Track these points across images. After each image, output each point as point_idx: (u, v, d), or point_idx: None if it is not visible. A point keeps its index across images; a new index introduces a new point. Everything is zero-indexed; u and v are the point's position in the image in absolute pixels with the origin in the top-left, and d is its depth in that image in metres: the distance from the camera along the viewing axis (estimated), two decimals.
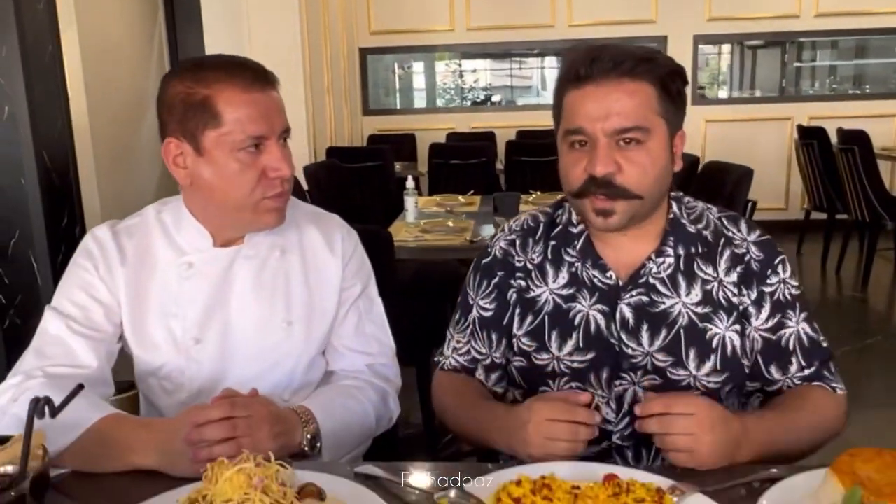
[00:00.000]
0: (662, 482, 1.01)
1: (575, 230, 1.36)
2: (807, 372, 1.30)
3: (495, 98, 8.86)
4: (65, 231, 2.65)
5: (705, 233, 1.33)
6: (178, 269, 1.37)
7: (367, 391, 1.42)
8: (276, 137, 1.29)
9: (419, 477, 1.12)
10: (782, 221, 6.48)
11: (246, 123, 1.26)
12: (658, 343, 1.29)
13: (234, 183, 1.29)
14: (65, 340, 1.31)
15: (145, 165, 5.65)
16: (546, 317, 1.35)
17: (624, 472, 1.02)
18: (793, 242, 6.28)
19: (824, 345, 1.32)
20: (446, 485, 1.05)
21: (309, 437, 1.24)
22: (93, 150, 4.97)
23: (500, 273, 1.40)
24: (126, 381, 1.66)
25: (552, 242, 1.38)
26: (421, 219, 3.76)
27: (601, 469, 1.05)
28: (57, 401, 1.11)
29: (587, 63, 1.22)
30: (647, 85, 1.22)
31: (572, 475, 1.02)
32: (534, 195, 4.25)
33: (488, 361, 1.42)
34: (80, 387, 0.93)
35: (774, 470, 1.09)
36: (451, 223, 3.62)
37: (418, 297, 3.37)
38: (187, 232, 1.38)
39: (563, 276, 1.35)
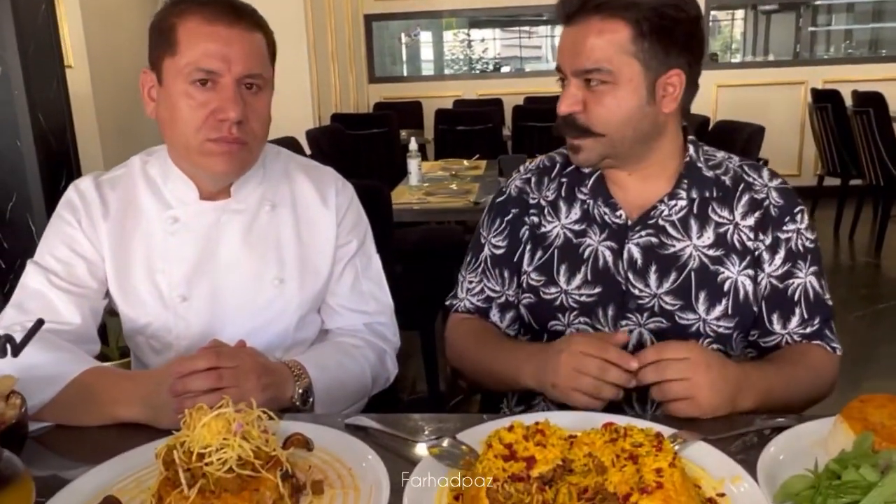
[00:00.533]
0: (664, 430, 0.96)
1: (586, 170, 1.34)
2: (808, 329, 1.28)
3: (504, 69, 8.73)
4: (63, 195, 2.61)
5: (724, 178, 1.31)
6: (163, 224, 1.32)
7: (365, 350, 1.38)
8: (232, 78, 1.20)
9: (411, 428, 1.08)
10: (795, 188, 6.34)
11: (200, 55, 1.19)
12: (667, 285, 1.28)
13: (181, 118, 1.22)
14: (46, 295, 1.27)
15: (151, 136, 5.60)
16: (556, 250, 1.34)
17: (623, 422, 0.98)
18: (806, 208, 6.17)
19: (829, 303, 1.30)
20: (439, 435, 1.01)
21: (300, 391, 1.20)
22: (97, 120, 4.93)
23: (513, 210, 1.40)
24: (127, 346, 1.64)
25: (565, 180, 1.37)
26: (425, 182, 3.71)
27: (600, 419, 1.01)
28: (39, 358, 1.10)
29: (566, 1, 1.23)
30: (620, 24, 1.19)
31: (570, 424, 0.97)
32: (539, 159, 4.18)
33: (503, 300, 1.41)
34: (41, 322, 0.89)
35: (780, 419, 1.05)
36: (454, 186, 3.57)
37: (422, 262, 3.34)
38: (173, 183, 1.33)
39: (576, 212, 1.35)
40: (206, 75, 1.20)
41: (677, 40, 1.21)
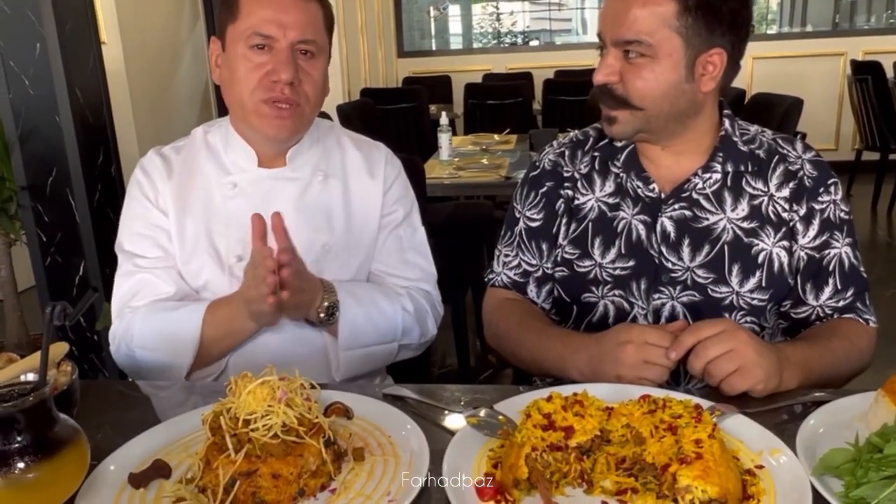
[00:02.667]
0: (701, 403, 0.96)
1: (619, 144, 1.33)
2: (840, 303, 1.27)
3: (533, 43, 8.62)
4: (101, 170, 2.64)
5: (758, 152, 1.29)
6: (222, 189, 1.38)
7: (405, 299, 1.41)
8: (287, 43, 1.27)
9: (448, 398, 1.10)
10: (832, 162, 6.17)
11: (257, 21, 1.27)
12: (700, 259, 1.27)
13: (238, 81, 1.29)
14: (141, 279, 1.35)
15: (183, 113, 5.65)
16: (590, 224, 1.34)
17: (660, 394, 0.98)
18: (843, 184, 6.01)
19: (864, 275, 1.29)
20: (475, 405, 1.02)
21: (326, 304, 1.30)
22: (130, 97, 4.98)
23: (548, 183, 1.39)
24: None
25: (598, 154, 1.36)
26: (455, 157, 3.70)
27: (636, 391, 1.01)
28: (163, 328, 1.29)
29: None
30: None
31: (606, 396, 0.98)
32: (572, 134, 4.15)
33: (539, 273, 1.40)
34: (95, 289, 0.93)
35: (818, 393, 1.04)
36: (485, 160, 3.55)
37: (452, 237, 3.35)
38: (234, 151, 1.39)
39: (610, 186, 1.34)
40: (263, 39, 1.27)
41: (723, 18, 1.18)
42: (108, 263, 2.58)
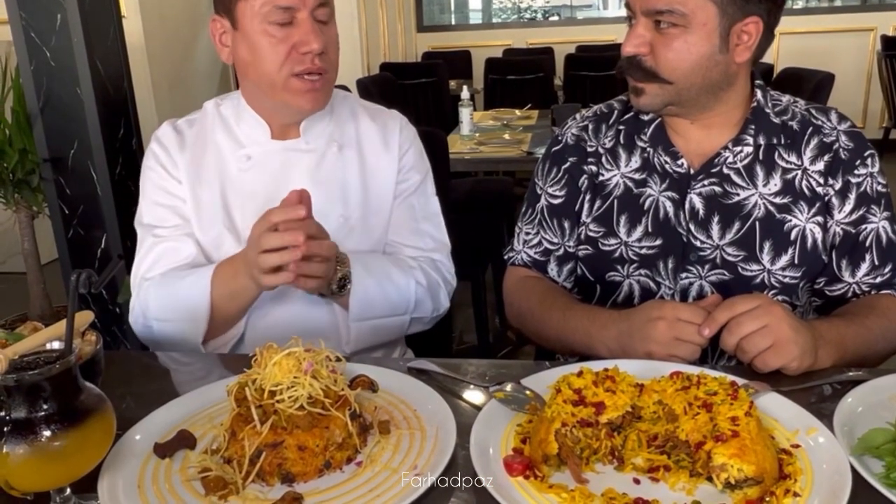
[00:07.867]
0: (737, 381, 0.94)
1: (646, 117, 1.30)
2: (878, 279, 1.24)
3: (553, 19, 8.49)
4: (122, 142, 2.64)
5: (791, 123, 1.25)
6: (237, 162, 1.36)
7: (417, 272, 1.39)
8: (308, 11, 1.24)
9: (473, 373, 1.08)
10: None
11: None
12: (729, 236, 1.23)
13: (264, 58, 1.26)
14: (159, 250, 1.35)
15: (202, 88, 5.63)
16: (615, 201, 1.30)
17: (693, 371, 0.96)
18: (876, 153, 5.90)
19: None
20: (501, 380, 1.01)
21: (339, 276, 1.27)
22: (150, 72, 4.97)
23: (571, 159, 1.35)
24: None
25: (623, 128, 1.32)
26: (476, 132, 3.66)
27: (667, 367, 0.99)
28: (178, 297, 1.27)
29: None
30: None
31: (636, 372, 0.96)
32: (596, 107, 4.09)
33: (561, 252, 1.37)
34: (120, 257, 0.92)
35: (853, 372, 1.02)
36: (507, 136, 3.52)
37: (472, 213, 3.32)
38: (246, 123, 1.37)
39: (636, 161, 1.30)
40: (284, 13, 1.24)
41: None
42: (130, 236, 2.57)
